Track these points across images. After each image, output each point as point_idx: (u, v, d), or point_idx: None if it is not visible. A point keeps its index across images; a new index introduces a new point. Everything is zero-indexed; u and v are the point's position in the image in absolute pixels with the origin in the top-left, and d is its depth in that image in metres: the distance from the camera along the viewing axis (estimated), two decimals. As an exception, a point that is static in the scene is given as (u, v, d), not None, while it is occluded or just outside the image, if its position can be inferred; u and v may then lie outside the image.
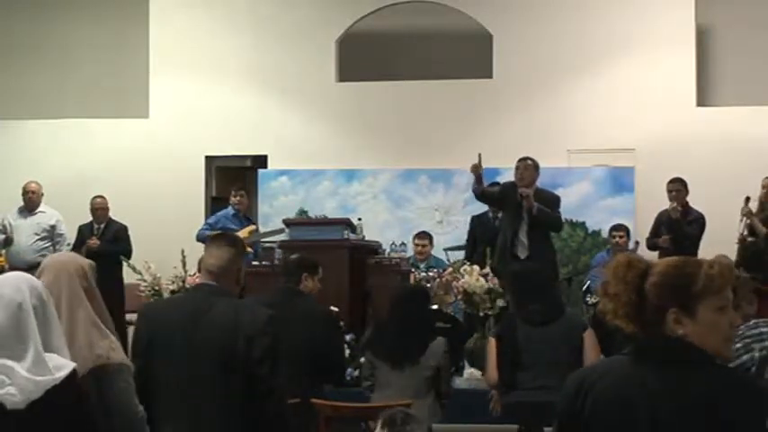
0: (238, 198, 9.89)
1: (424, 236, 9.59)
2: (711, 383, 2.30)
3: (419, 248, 9.37)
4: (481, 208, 9.73)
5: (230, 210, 9.87)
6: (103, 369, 3.17)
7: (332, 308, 7.42)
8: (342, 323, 7.46)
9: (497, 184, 9.02)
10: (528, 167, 8.22)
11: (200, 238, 9.73)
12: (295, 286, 5.66)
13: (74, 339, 3.18)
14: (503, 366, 5.70)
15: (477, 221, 9.50)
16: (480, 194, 8.52)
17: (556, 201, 8.36)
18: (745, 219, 8.57)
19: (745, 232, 8.65)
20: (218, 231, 9.21)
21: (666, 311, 2.37)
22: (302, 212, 10.77)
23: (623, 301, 2.40)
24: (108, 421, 3.16)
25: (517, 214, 8.17)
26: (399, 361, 5.58)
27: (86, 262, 3.39)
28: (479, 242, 9.10)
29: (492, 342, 5.84)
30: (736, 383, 2.34)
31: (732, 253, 8.92)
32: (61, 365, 2.63)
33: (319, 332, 5.38)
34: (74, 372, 2.64)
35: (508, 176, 9.26)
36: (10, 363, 2.57)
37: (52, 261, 3.33)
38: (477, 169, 8.24)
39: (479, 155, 8.22)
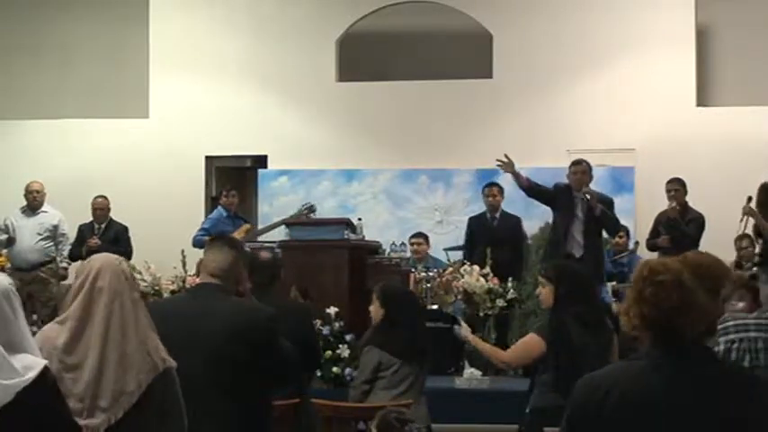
0: (230, 198, 9.87)
1: (419, 235, 9.64)
2: (726, 384, 2.30)
3: (415, 247, 9.40)
4: (480, 209, 9.73)
5: (222, 211, 9.81)
6: (168, 371, 3.17)
7: (333, 308, 7.45)
8: (342, 323, 7.49)
9: (496, 184, 9.14)
10: (585, 172, 8.53)
11: (197, 244, 9.64)
12: (271, 285, 5.62)
13: (146, 343, 3.15)
14: (560, 371, 5.47)
15: (474, 223, 9.51)
16: (528, 189, 8.63)
17: (610, 203, 8.65)
18: (746, 218, 8.56)
19: (745, 231, 8.65)
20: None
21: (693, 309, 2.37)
22: (302, 211, 10.53)
23: (634, 312, 2.40)
24: (163, 422, 3.15)
25: (570, 214, 8.38)
26: (413, 357, 5.57)
27: (127, 264, 3.38)
28: (478, 243, 9.12)
29: (536, 340, 5.43)
30: (748, 383, 2.34)
31: (731, 252, 8.94)
32: (31, 365, 2.60)
33: (296, 327, 5.32)
34: (44, 370, 2.61)
35: (508, 176, 9.28)
36: None
37: (108, 263, 3.27)
38: (509, 167, 8.42)
39: (505, 155, 8.42)
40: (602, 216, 8.33)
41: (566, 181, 8.72)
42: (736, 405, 2.28)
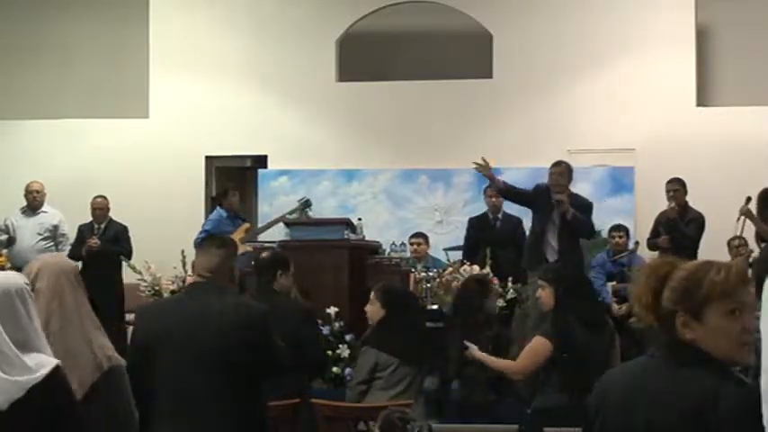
0: (236, 198, 9.87)
1: (419, 235, 9.64)
2: (705, 386, 2.30)
3: (414, 247, 9.41)
4: (480, 209, 9.72)
5: (222, 212, 9.78)
6: (114, 370, 3.18)
7: (333, 308, 7.45)
8: (342, 323, 7.49)
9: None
10: (562, 174, 8.30)
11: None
12: (269, 285, 5.66)
13: (90, 342, 3.17)
14: (565, 371, 5.50)
15: (475, 223, 9.50)
16: (505, 191, 8.55)
17: (588, 207, 8.46)
18: (742, 218, 8.56)
19: (742, 232, 8.64)
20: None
21: (676, 315, 2.37)
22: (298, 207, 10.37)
23: (642, 304, 2.41)
24: (111, 421, 3.17)
25: (547, 217, 8.22)
26: (412, 357, 5.56)
27: (74, 263, 3.41)
28: (479, 244, 9.10)
29: (543, 342, 5.54)
30: (729, 387, 2.30)
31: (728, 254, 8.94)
32: (43, 363, 2.64)
33: (296, 328, 5.34)
34: (56, 368, 2.65)
35: (508, 176, 9.27)
36: None
37: (46, 263, 3.30)
38: (485, 170, 8.28)
39: (483, 158, 8.24)
40: (573, 221, 8.14)
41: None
42: (711, 408, 2.27)
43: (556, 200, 8.15)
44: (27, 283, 2.79)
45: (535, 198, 8.36)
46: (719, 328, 2.34)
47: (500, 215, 9.34)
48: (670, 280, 2.40)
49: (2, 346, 2.59)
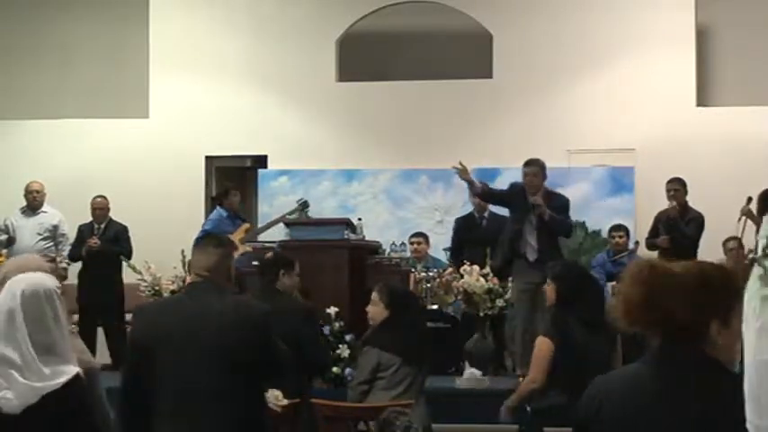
0: (237, 197, 9.87)
1: (419, 235, 9.66)
2: (708, 388, 2.29)
3: (414, 246, 9.42)
4: (467, 209, 9.72)
5: (222, 212, 9.78)
6: (87, 373, 3.19)
7: (333, 308, 7.46)
8: (342, 323, 7.49)
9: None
10: (536, 175, 8.18)
11: None
12: (272, 284, 5.67)
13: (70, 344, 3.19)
14: (563, 370, 5.53)
15: (462, 224, 9.49)
16: (482, 194, 8.51)
17: (565, 205, 8.35)
18: (743, 218, 8.56)
19: (743, 232, 8.65)
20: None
21: (702, 323, 2.34)
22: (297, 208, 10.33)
23: (642, 309, 2.39)
24: (87, 422, 3.18)
25: (525, 216, 8.15)
26: (413, 357, 5.56)
27: (51, 266, 3.40)
28: (466, 244, 9.10)
29: (545, 342, 5.62)
30: (731, 388, 2.31)
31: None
32: (62, 371, 2.63)
33: (296, 327, 5.34)
34: (75, 377, 2.64)
35: (508, 176, 9.28)
36: (8, 369, 2.57)
37: (32, 264, 3.28)
38: (465, 174, 8.21)
39: (460, 162, 8.18)
40: (550, 221, 8.06)
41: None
42: (733, 416, 2.26)
43: (532, 203, 8.07)
44: (58, 287, 2.77)
45: (511, 198, 8.28)
46: (736, 332, 2.33)
47: (486, 215, 9.32)
48: (686, 286, 2.34)
49: (23, 350, 2.59)
